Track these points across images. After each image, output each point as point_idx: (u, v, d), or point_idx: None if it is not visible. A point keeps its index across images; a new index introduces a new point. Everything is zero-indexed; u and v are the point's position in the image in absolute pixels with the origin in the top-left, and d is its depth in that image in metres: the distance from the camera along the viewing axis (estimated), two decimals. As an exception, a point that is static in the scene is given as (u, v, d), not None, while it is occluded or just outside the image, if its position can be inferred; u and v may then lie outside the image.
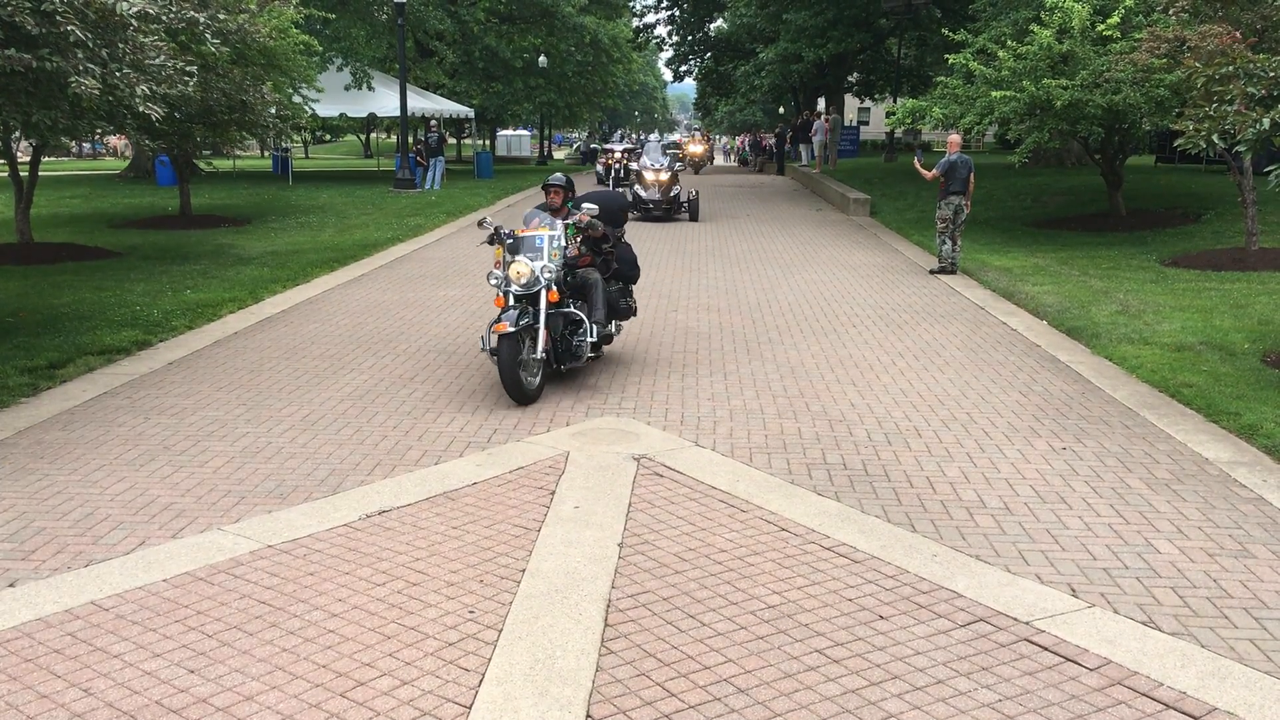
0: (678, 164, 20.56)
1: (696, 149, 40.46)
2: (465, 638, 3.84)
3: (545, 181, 7.67)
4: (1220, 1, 10.24)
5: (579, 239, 7.47)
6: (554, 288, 6.94)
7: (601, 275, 7.56)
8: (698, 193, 20.08)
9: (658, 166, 19.96)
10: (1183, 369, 7.58)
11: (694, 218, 19.46)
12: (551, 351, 7.05)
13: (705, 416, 6.74)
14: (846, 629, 3.93)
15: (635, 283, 8.18)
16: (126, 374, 7.72)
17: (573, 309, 7.24)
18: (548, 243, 7.00)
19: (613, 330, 7.80)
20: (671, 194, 19.42)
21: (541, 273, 6.87)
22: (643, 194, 19.39)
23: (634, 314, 8.26)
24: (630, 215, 18.61)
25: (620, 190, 6.97)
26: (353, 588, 4.25)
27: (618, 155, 29.71)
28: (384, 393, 7.25)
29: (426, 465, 5.76)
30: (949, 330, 9.45)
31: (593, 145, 56.55)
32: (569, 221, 7.37)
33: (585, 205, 7.55)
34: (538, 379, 6.96)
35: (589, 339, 7.24)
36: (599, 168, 30.24)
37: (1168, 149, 22.99)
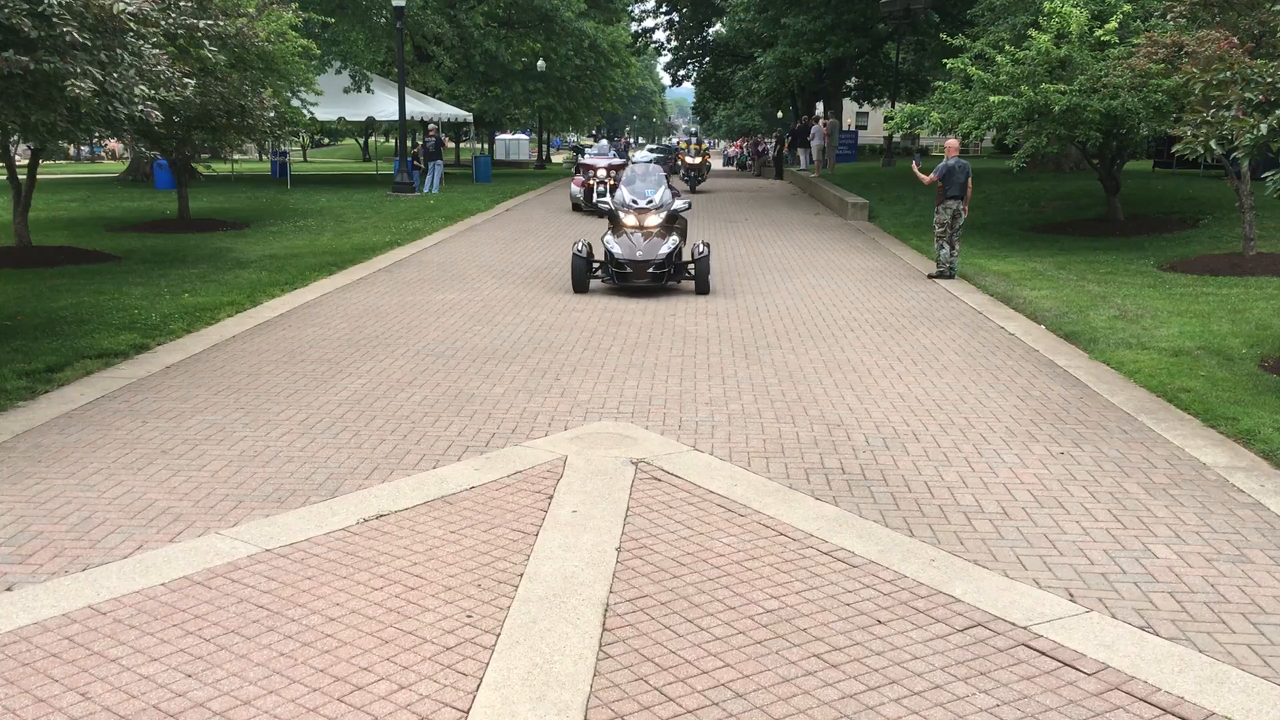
0: (679, 199, 12.38)
1: (694, 159, 30.73)
2: (463, 642, 3.84)
3: None
4: (1218, 7, 10.27)
5: None
6: None
7: None
8: (709, 247, 12.11)
9: (643, 203, 12.01)
10: (1180, 374, 7.59)
11: (702, 289, 11.71)
12: None
13: (703, 421, 6.74)
14: (844, 634, 3.93)
15: None
16: (124, 378, 7.72)
17: None
18: None
19: None
20: (663, 250, 11.56)
21: None
22: (615, 248, 11.62)
23: None
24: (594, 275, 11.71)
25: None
26: (350, 592, 4.24)
27: (600, 172, 21.86)
28: (382, 396, 7.25)
29: (424, 469, 5.75)
30: (947, 335, 9.46)
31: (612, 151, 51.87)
32: None
33: None
34: None
35: None
36: (574, 188, 22.89)
37: (1165, 154, 22.98)
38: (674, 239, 11.82)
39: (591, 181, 21.98)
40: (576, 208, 22.92)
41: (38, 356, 7.93)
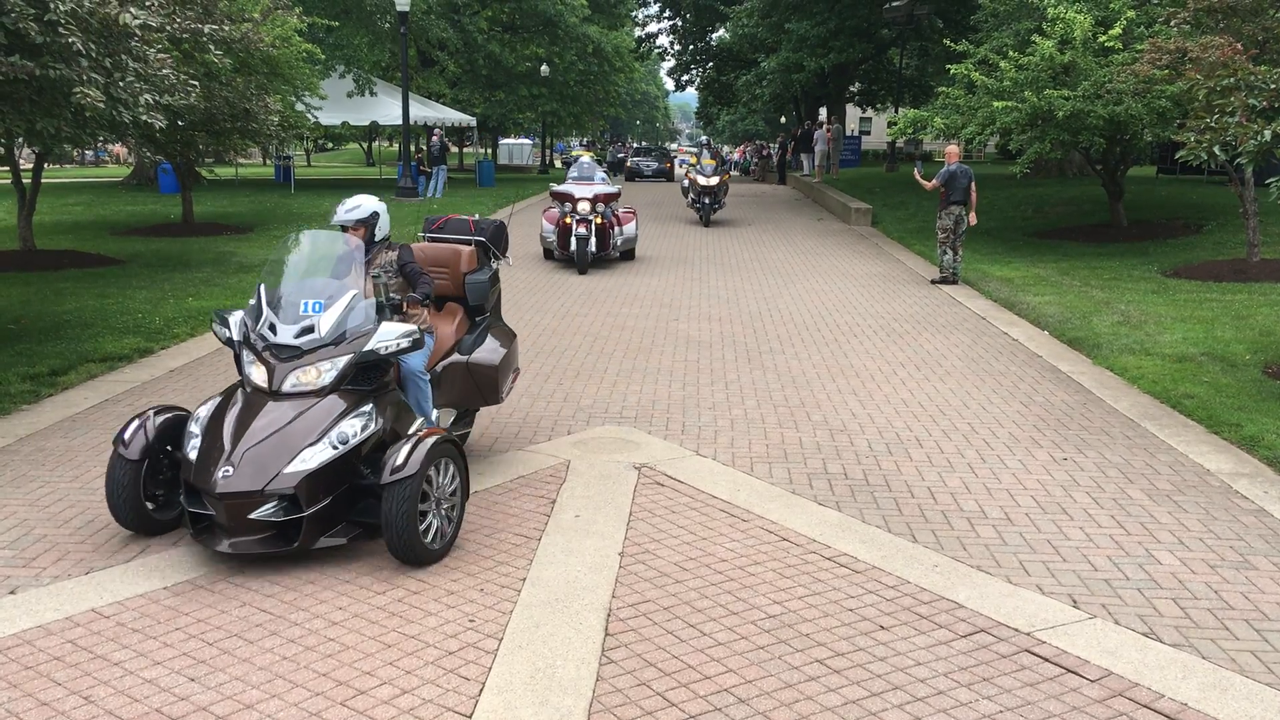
0: (408, 318, 5.43)
1: (708, 179, 20.31)
2: (466, 646, 3.84)
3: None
4: (1221, 13, 10.28)
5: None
6: None
7: None
8: (452, 457, 4.68)
9: (292, 333, 4.79)
10: (1184, 380, 7.58)
11: (405, 554, 4.44)
12: None
13: (706, 425, 6.74)
14: (847, 639, 3.92)
15: None
16: (128, 381, 7.73)
17: None
18: None
19: None
20: (301, 463, 4.42)
21: None
22: (190, 450, 4.60)
23: None
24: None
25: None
26: (353, 596, 4.24)
27: (583, 205, 14.04)
28: (385, 401, 7.25)
29: (427, 473, 5.74)
30: (950, 340, 9.46)
31: (619, 155, 48.12)
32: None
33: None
34: None
35: None
36: (545, 225, 14.74)
37: (1169, 160, 23.01)
38: (358, 422, 4.69)
39: (569, 219, 14.06)
40: (549, 256, 14.90)
41: (41, 360, 7.94)
